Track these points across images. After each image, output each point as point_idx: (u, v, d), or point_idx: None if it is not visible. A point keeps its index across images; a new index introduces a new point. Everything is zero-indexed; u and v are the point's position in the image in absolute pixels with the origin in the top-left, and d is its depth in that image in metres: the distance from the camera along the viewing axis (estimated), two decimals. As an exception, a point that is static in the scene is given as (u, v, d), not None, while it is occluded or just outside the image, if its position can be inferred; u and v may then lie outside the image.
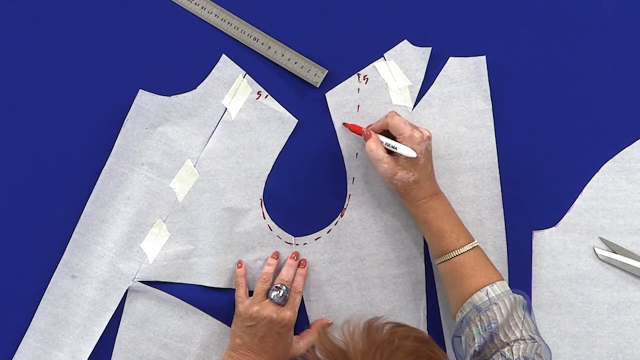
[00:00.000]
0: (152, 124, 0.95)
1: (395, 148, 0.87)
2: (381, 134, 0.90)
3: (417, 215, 0.89)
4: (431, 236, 0.88)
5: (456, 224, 0.88)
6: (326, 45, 0.97)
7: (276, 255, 0.94)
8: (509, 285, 0.92)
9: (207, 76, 0.96)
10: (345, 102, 0.95)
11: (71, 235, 0.95)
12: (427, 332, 0.93)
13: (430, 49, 0.95)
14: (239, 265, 0.94)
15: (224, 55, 0.96)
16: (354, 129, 0.93)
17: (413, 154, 0.86)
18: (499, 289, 0.82)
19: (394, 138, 0.88)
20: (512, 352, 0.77)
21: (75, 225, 0.94)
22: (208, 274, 0.94)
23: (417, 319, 0.93)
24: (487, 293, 0.82)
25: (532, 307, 0.84)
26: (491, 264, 0.86)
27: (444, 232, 0.86)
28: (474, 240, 0.87)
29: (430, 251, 0.90)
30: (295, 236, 0.95)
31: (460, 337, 0.83)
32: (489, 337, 0.79)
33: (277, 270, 0.94)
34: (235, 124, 0.96)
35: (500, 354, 0.78)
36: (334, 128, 0.95)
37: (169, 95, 0.96)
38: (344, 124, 0.94)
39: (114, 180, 0.95)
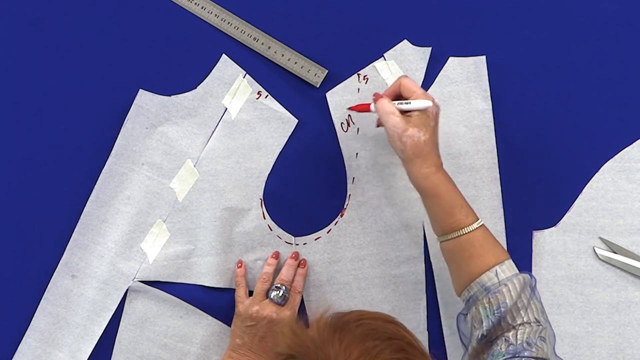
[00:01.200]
0: (153, 123, 0.96)
1: (410, 103, 0.83)
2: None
3: (426, 187, 0.83)
4: (441, 212, 0.83)
5: (464, 201, 0.84)
6: (326, 45, 0.97)
7: (276, 255, 0.94)
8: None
9: (207, 76, 0.96)
10: (345, 102, 0.95)
11: (71, 235, 0.95)
12: (427, 332, 0.93)
13: (430, 49, 0.95)
14: (239, 265, 0.94)
15: (224, 55, 0.97)
16: (362, 108, 0.88)
17: (428, 103, 0.82)
18: (508, 270, 0.80)
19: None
20: (517, 337, 0.76)
21: (75, 225, 0.95)
22: (208, 273, 0.94)
23: (417, 319, 0.93)
24: (497, 274, 0.80)
25: (536, 288, 0.82)
26: (498, 242, 0.84)
27: (454, 207, 0.82)
28: (479, 219, 0.83)
29: (435, 228, 0.85)
30: (295, 236, 0.95)
31: (466, 315, 0.82)
32: (497, 320, 0.78)
33: (277, 270, 0.93)
34: (236, 124, 0.96)
35: (505, 339, 0.77)
36: (334, 128, 0.95)
37: (169, 95, 0.96)
38: (349, 108, 0.91)
39: (114, 180, 0.95)
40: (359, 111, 0.89)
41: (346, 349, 0.62)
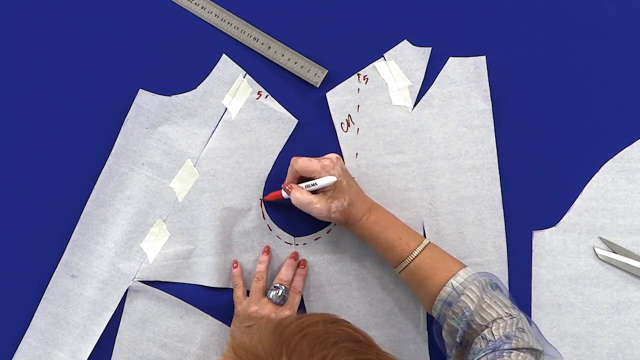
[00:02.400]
0: (152, 123, 0.96)
1: (316, 184, 0.87)
2: (298, 182, 0.90)
3: (363, 235, 0.88)
4: (382, 250, 0.88)
5: (402, 230, 0.88)
6: (326, 45, 0.97)
7: (267, 251, 0.94)
8: (509, 285, 0.93)
9: (207, 76, 0.96)
10: (345, 102, 0.96)
11: (71, 235, 0.95)
12: (427, 332, 0.93)
13: (430, 49, 0.96)
14: (235, 265, 0.93)
15: (224, 55, 0.97)
16: (274, 197, 0.92)
17: (333, 179, 0.86)
18: (462, 277, 0.82)
19: (310, 179, 0.88)
20: (493, 333, 0.77)
21: (75, 224, 0.95)
22: (208, 273, 0.94)
23: (417, 319, 0.93)
24: (452, 285, 0.82)
25: (502, 285, 0.84)
26: (448, 256, 0.86)
27: (392, 241, 0.86)
28: (424, 240, 0.87)
29: (388, 264, 0.89)
30: (295, 236, 0.95)
31: (442, 333, 0.84)
32: (466, 325, 0.79)
33: (273, 268, 0.94)
34: (236, 124, 0.96)
35: (482, 337, 0.78)
36: (334, 128, 0.95)
37: (169, 95, 0.96)
38: (264, 199, 0.95)
39: (114, 180, 0.95)
40: (273, 200, 0.93)
41: None
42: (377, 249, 0.89)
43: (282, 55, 0.96)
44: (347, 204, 0.86)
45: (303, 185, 0.88)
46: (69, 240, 0.95)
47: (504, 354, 0.74)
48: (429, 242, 0.87)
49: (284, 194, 0.90)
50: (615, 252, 0.93)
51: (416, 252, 0.85)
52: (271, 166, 0.95)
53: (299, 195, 0.87)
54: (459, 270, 0.83)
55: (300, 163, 0.88)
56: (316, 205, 0.86)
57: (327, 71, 0.95)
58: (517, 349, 0.75)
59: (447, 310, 0.81)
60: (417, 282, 0.85)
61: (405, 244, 0.86)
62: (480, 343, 0.77)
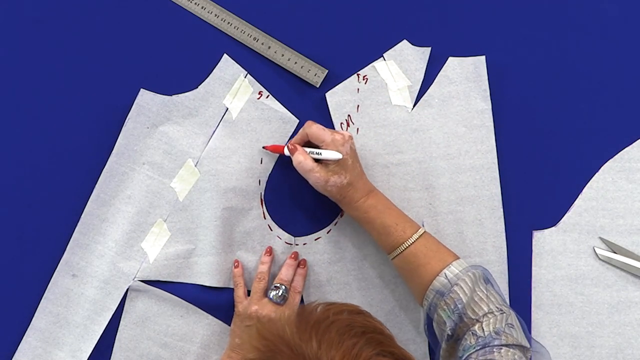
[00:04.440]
0: (154, 123, 0.96)
1: (320, 154, 0.87)
2: (304, 145, 0.90)
3: (358, 217, 0.88)
4: (378, 234, 0.88)
5: (399, 216, 0.88)
6: (326, 45, 0.97)
7: (269, 252, 0.94)
8: (509, 285, 0.93)
9: (208, 76, 0.97)
10: (345, 102, 0.96)
11: (72, 235, 0.95)
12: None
13: (429, 49, 0.96)
14: (236, 265, 0.94)
15: (225, 55, 0.97)
16: (275, 149, 0.93)
17: (338, 156, 0.86)
18: (456, 268, 0.83)
19: (317, 147, 0.89)
20: (483, 329, 0.78)
21: (76, 224, 0.95)
22: (208, 273, 0.94)
23: (417, 319, 0.93)
24: (446, 276, 0.82)
25: (493, 279, 0.84)
26: (443, 246, 0.87)
27: (388, 227, 0.86)
28: (420, 228, 0.87)
29: (383, 249, 0.89)
30: (295, 236, 0.95)
31: (432, 324, 0.84)
32: (458, 319, 0.79)
33: (274, 268, 0.94)
34: (237, 124, 0.96)
35: (472, 332, 0.78)
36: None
37: (170, 95, 0.96)
38: (263, 147, 0.95)
39: (115, 180, 0.95)
40: (272, 151, 0.94)
41: (327, 351, 0.61)
42: (372, 234, 0.89)
43: (282, 55, 0.96)
44: (347, 183, 0.86)
45: (308, 150, 0.88)
46: (69, 240, 0.95)
47: (494, 350, 0.74)
48: (425, 231, 0.87)
49: (286, 151, 0.91)
50: (615, 252, 0.92)
51: (412, 240, 0.85)
52: (272, 166, 0.96)
53: (302, 159, 0.87)
54: (452, 261, 0.84)
55: (314, 129, 0.88)
56: (315, 174, 0.86)
57: (327, 71, 0.96)
58: (506, 345, 0.75)
59: (439, 301, 0.81)
60: (410, 270, 0.85)
61: (402, 230, 0.86)
62: (470, 339, 0.77)
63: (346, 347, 0.62)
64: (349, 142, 0.88)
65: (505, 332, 0.77)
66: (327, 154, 0.87)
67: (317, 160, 0.88)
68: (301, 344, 0.62)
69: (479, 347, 0.75)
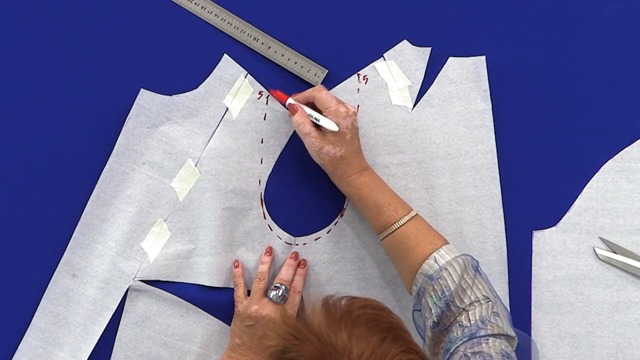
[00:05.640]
0: (154, 123, 0.96)
1: (318, 120, 0.87)
2: (307, 105, 0.90)
3: (350, 193, 0.89)
4: (369, 212, 0.88)
5: (392, 196, 0.88)
6: (326, 45, 0.97)
7: (269, 252, 0.94)
8: (509, 285, 0.93)
9: (208, 76, 0.97)
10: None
11: (72, 234, 0.95)
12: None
13: (430, 49, 0.96)
14: (236, 265, 0.94)
15: (225, 55, 0.97)
16: (278, 97, 0.93)
17: (334, 127, 0.86)
18: (447, 254, 0.82)
19: (319, 112, 0.89)
20: (469, 319, 0.77)
21: (76, 224, 0.95)
22: (208, 273, 0.94)
23: (417, 319, 0.94)
24: (436, 260, 0.82)
25: (480, 268, 0.83)
26: (433, 230, 0.87)
27: (380, 206, 0.86)
28: (412, 210, 0.87)
29: (373, 228, 0.89)
30: (295, 236, 0.95)
31: (420, 310, 0.83)
32: (445, 306, 0.79)
33: (274, 268, 0.94)
34: (237, 124, 0.96)
35: (458, 324, 0.77)
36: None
37: (171, 95, 0.96)
38: (268, 89, 0.95)
39: (115, 180, 0.95)
40: (275, 97, 0.94)
41: (357, 343, 0.61)
42: (364, 212, 0.89)
43: (282, 55, 0.96)
44: (340, 155, 0.87)
45: (308, 111, 0.89)
46: (69, 240, 0.95)
47: (482, 340, 0.74)
48: (417, 213, 0.87)
49: (287, 105, 0.91)
50: (615, 252, 0.92)
51: (403, 220, 0.85)
52: (272, 166, 0.96)
53: (301, 121, 0.88)
54: (442, 245, 0.83)
55: (323, 95, 0.88)
56: (311, 139, 0.86)
57: (327, 71, 0.96)
58: (492, 335, 0.75)
59: (427, 285, 0.81)
60: (399, 250, 0.85)
61: (394, 210, 0.86)
62: (456, 331, 0.77)
63: (375, 341, 0.62)
64: (351, 117, 0.88)
65: (491, 321, 0.76)
66: (324, 122, 0.87)
67: (317, 126, 0.88)
68: (330, 334, 0.61)
69: (465, 339, 0.75)
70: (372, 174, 0.89)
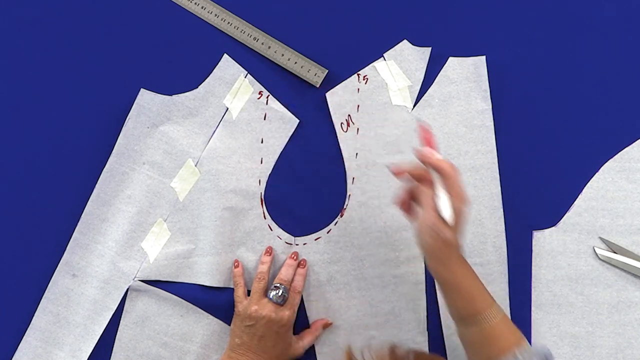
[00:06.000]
0: (154, 123, 0.96)
1: (439, 198, 0.74)
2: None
3: (446, 278, 0.78)
4: (460, 300, 0.79)
5: (481, 283, 0.80)
6: (326, 45, 0.97)
7: (269, 252, 0.94)
8: (509, 285, 0.93)
9: (208, 76, 0.97)
10: (345, 102, 0.96)
11: (72, 234, 0.95)
12: (427, 332, 0.93)
13: (430, 49, 0.96)
14: (236, 264, 0.94)
15: (225, 55, 0.97)
16: (427, 141, 0.78)
17: (448, 216, 0.73)
18: (527, 352, 0.76)
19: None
20: None
21: (76, 224, 0.95)
22: (208, 273, 0.94)
23: (417, 319, 0.93)
24: (515, 356, 0.76)
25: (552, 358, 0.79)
26: (513, 324, 0.80)
27: (474, 294, 0.78)
28: (494, 301, 0.79)
29: (453, 314, 0.81)
30: (295, 236, 0.95)
31: None
32: None
33: (274, 268, 0.94)
34: (237, 124, 0.96)
35: None
36: (334, 128, 0.96)
37: (171, 95, 0.96)
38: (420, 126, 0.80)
39: (115, 179, 0.95)
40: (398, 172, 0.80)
41: None
42: (451, 297, 0.79)
43: (282, 55, 0.96)
44: (451, 241, 0.76)
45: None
46: (69, 240, 0.95)
47: None
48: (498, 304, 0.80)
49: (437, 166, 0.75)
50: (615, 252, 0.92)
51: (496, 318, 0.77)
52: (272, 166, 0.96)
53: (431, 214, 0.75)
54: (524, 343, 0.78)
55: (457, 178, 0.74)
56: (447, 234, 0.74)
57: (327, 71, 0.96)
58: None
59: None
60: (482, 345, 0.78)
61: (484, 301, 0.79)
62: None
63: None
64: (464, 212, 0.77)
65: None
66: (444, 205, 0.73)
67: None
68: None
69: None
70: (462, 256, 0.80)
